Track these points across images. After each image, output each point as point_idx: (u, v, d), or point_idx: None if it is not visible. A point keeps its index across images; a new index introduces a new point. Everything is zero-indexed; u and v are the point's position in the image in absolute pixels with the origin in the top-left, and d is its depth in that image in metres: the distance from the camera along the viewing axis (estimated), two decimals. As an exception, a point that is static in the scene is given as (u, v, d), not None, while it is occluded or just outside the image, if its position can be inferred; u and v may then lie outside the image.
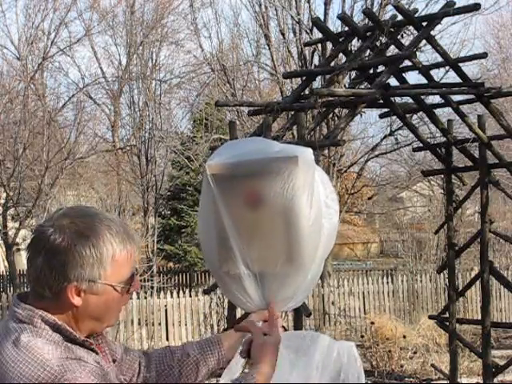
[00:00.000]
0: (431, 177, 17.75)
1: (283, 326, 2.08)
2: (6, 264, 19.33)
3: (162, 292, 12.76)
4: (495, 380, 6.96)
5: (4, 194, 17.96)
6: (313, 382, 1.91)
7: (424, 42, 6.38)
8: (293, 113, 6.07)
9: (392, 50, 7.64)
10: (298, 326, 5.42)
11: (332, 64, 7.11)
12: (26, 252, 1.73)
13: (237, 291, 2.06)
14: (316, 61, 13.91)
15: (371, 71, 6.28)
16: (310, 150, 1.95)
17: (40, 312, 1.69)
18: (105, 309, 1.74)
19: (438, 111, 7.22)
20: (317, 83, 10.85)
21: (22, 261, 22.85)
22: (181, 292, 12.22)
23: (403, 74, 6.55)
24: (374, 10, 12.49)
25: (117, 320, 1.91)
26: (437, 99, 8.30)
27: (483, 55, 6.85)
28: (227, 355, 2.04)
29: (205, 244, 2.10)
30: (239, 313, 6.09)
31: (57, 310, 1.70)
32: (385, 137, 15.19)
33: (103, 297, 1.71)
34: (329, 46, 11.82)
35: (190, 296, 12.10)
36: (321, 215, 2.01)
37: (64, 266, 1.66)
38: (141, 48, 21.87)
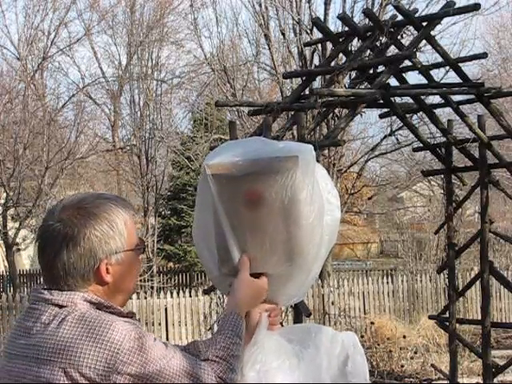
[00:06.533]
0: (431, 177, 17.72)
1: (281, 323, 2.08)
2: (6, 264, 19.32)
3: (161, 292, 12.76)
4: (495, 380, 6.95)
5: (4, 194, 17.96)
6: (322, 372, 1.93)
7: (424, 42, 6.37)
8: (293, 113, 6.07)
9: (392, 50, 7.63)
10: (298, 325, 5.42)
11: (332, 64, 7.10)
12: (41, 253, 1.74)
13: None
14: (316, 61, 13.90)
15: (371, 71, 6.28)
16: (310, 148, 1.94)
17: (81, 293, 1.72)
18: (130, 276, 1.81)
19: (438, 111, 7.21)
20: (317, 83, 10.86)
21: (21, 261, 22.86)
22: (181, 292, 12.21)
23: (403, 74, 6.55)
24: (374, 10, 12.47)
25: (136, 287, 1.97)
26: (437, 99, 8.29)
27: (483, 55, 6.84)
28: None
29: (203, 245, 2.06)
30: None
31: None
32: (385, 137, 15.18)
33: (126, 265, 1.78)
34: (329, 45, 11.81)
35: (190, 296, 12.09)
36: (323, 212, 2.00)
37: (91, 249, 1.71)
38: (141, 48, 21.84)
